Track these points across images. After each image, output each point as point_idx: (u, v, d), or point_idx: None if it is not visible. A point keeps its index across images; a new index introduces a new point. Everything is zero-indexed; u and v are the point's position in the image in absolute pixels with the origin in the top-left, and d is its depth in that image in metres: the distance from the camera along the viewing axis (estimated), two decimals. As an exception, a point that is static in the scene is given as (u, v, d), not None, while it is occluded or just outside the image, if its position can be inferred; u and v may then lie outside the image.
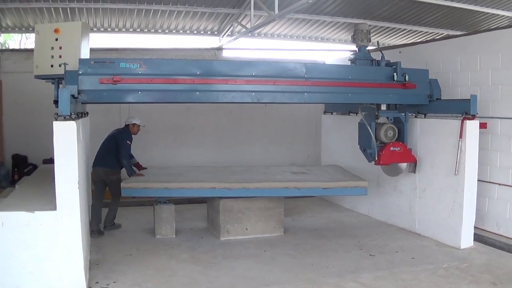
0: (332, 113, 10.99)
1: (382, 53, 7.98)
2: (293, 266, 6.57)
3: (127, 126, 8.33)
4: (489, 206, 8.03)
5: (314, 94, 7.11)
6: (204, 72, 6.56)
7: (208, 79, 6.56)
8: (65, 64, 6.01)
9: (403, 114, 8.02)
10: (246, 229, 7.92)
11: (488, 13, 11.60)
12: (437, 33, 13.17)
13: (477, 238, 7.65)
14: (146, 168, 8.63)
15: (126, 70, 6.28)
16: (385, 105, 7.96)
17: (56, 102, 5.70)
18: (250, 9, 10.06)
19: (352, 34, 8.10)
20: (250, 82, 6.73)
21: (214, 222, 8.13)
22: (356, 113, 10.00)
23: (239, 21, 11.49)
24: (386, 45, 13.45)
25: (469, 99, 7.33)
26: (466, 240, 7.46)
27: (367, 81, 7.44)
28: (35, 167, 10.41)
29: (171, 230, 7.89)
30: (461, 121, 7.30)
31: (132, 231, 8.29)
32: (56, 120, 5.34)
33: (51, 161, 10.41)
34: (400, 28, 12.84)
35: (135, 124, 8.29)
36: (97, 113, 9.08)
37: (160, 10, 10.87)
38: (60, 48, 6.49)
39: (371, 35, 13.04)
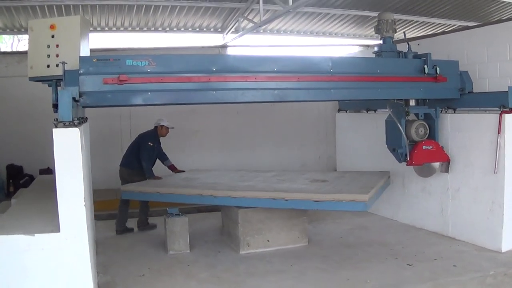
0: (346, 111, 10.37)
1: (408, 44, 7.34)
2: (328, 282, 5.88)
3: (155, 128, 8.44)
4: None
5: (341, 90, 6.43)
6: (221, 68, 5.83)
7: (226, 76, 5.83)
8: (63, 63, 5.27)
9: (433, 109, 7.39)
10: (268, 240, 7.22)
11: (500, 2, 11.02)
12: (449, 24, 12.64)
13: (517, 239, 7.03)
14: (184, 171, 8.81)
15: (133, 68, 5.53)
16: (414, 100, 7.31)
17: (55, 106, 5.01)
18: (259, 2, 9.39)
19: (376, 24, 7.45)
20: (272, 78, 6.01)
21: (232, 234, 7.44)
22: (375, 111, 9.42)
23: (246, 15, 10.80)
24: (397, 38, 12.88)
25: (507, 91, 6.70)
26: (508, 243, 6.82)
27: (396, 75, 6.79)
28: (31, 178, 9.74)
29: (185, 245, 7.19)
30: (499, 115, 6.67)
31: (141, 246, 7.57)
32: (56, 127, 4.64)
33: (48, 171, 9.84)
34: (412, 20, 12.29)
35: (163, 126, 8.40)
36: (96, 118, 8.32)
37: (161, 6, 10.20)
38: (57, 46, 5.71)
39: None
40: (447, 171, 7.44)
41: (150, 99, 5.67)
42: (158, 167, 8.75)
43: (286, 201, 6.69)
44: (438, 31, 12.48)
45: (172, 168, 8.77)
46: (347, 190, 6.71)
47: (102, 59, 5.49)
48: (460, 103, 7.40)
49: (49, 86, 5.69)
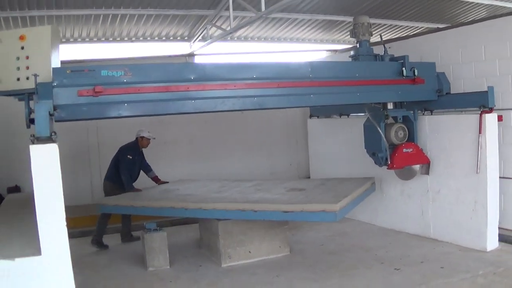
0: (318, 117, 10.31)
1: (385, 47, 7.30)
2: (320, 293, 5.75)
3: (136, 139, 8.38)
4: (505, 203, 7.40)
5: (320, 95, 6.32)
6: (200, 76, 5.63)
7: (205, 85, 5.63)
8: (35, 75, 4.99)
9: (411, 112, 7.37)
10: (250, 252, 7.04)
11: (466, 3, 11.17)
12: (417, 27, 12.69)
13: (500, 238, 7.05)
14: (168, 182, 8.76)
15: (109, 79, 5.28)
16: (391, 103, 7.28)
17: (32, 121, 4.71)
18: (229, 9, 9.22)
19: (351, 28, 7.40)
20: (251, 86, 5.85)
21: (212, 246, 7.22)
22: (348, 115, 9.40)
23: (214, 23, 10.62)
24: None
25: (486, 91, 6.75)
26: (492, 242, 6.89)
27: (375, 78, 6.75)
28: (0, 197, 9.23)
29: (165, 260, 6.95)
30: (479, 115, 6.70)
31: (120, 263, 7.30)
32: (33, 143, 4.35)
33: (17, 189, 9.40)
34: (380, 24, 12.28)
35: (143, 137, 8.31)
36: (61, 132, 7.91)
37: (128, 15, 9.88)
38: (27, 57, 5.37)
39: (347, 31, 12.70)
40: (427, 173, 7.43)
41: (127, 111, 5.41)
42: (144, 179, 8.70)
43: (255, 212, 6.48)
44: (404, 34, 12.60)
45: (156, 179, 8.72)
46: (318, 200, 6.49)
47: (76, 70, 5.23)
48: (437, 104, 7.40)
49: (19, 100, 5.36)
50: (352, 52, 7.36)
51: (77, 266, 6.76)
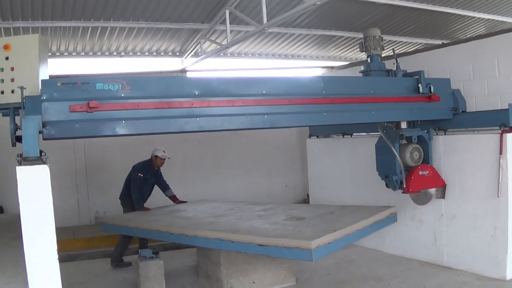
0: (317, 137, 9.83)
1: (397, 62, 6.87)
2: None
3: (151, 158, 8.23)
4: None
5: (333, 113, 5.77)
6: (205, 91, 5.07)
7: (211, 101, 5.09)
8: (22, 88, 4.43)
9: (425, 131, 6.93)
10: (254, 282, 6.47)
11: (465, 17, 10.90)
12: (416, 42, 12.44)
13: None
14: (186, 201, 8.61)
15: (104, 93, 4.69)
16: (405, 122, 6.82)
17: (18, 139, 4.15)
18: (226, 22, 8.77)
19: (362, 42, 6.97)
20: (260, 102, 5.29)
21: (212, 276, 6.64)
22: (351, 135, 8.95)
23: (208, 37, 10.14)
24: (360, 59, 12.59)
25: (507, 109, 6.31)
26: (512, 270, 6.42)
27: (390, 95, 6.28)
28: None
29: (161, 291, 6.37)
30: (499, 134, 6.28)
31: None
32: (20, 164, 3.78)
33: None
34: (378, 40, 11.98)
35: (157, 156, 8.12)
36: (47, 150, 7.41)
37: (118, 28, 9.37)
38: (12, 69, 4.82)
39: (350, 46, 12.35)
40: (443, 197, 6.97)
41: (124, 129, 4.81)
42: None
43: (232, 243, 5.89)
44: (402, 50, 12.29)
45: (173, 198, 8.58)
46: (298, 235, 5.65)
47: (68, 83, 4.63)
48: (453, 123, 6.97)
49: (3, 115, 4.77)
50: (362, 67, 6.89)
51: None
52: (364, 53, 7.08)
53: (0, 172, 8.10)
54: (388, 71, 6.75)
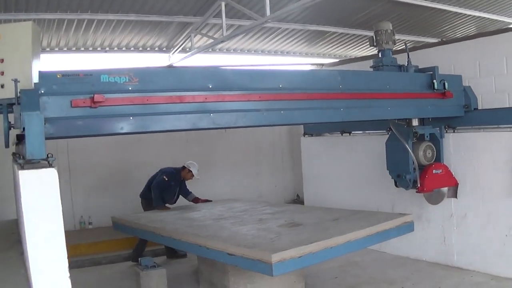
0: (312, 135, 9.51)
1: (409, 57, 6.57)
2: None
3: (183, 167, 8.19)
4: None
5: (351, 109, 5.39)
6: (219, 85, 4.63)
7: (225, 95, 4.66)
8: (16, 81, 3.91)
9: (437, 129, 6.67)
10: (261, 289, 6.08)
11: (455, 14, 10.78)
12: (412, 40, 12.24)
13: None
14: (211, 200, 8.57)
15: (110, 86, 4.17)
16: (417, 120, 6.53)
17: (21, 138, 3.66)
18: (222, 15, 8.36)
19: (372, 36, 6.66)
20: (278, 97, 4.88)
21: (216, 283, 6.22)
22: (350, 133, 8.64)
23: (199, 31, 9.70)
24: (354, 56, 12.34)
25: (522, 106, 6.13)
26: (528, 270, 6.22)
27: (406, 91, 5.97)
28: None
29: (164, 302, 5.94)
30: (515, 132, 6.07)
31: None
32: (23, 168, 3.30)
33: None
34: (370, 36, 11.76)
35: (190, 171, 8.10)
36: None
37: (105, 21, 8.86)
38: (2, 61, 4.28)
39: (342, 43, 12.08)
40: (455, 196, 6.74)
41: (132, 126, 4.32)
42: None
43: (207, 250, 5.47)
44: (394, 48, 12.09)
45: (196, 200, 8.50)
46: (265, 246, 5.04)
47: (69, 75, 4.12)
48: (464, 121, 6.73)
49: (-6, 112, 4.23)
50: (373, 62, 6.57)
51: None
52: (361, 50, 6.80)
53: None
54: (400, 66, 6.45)
